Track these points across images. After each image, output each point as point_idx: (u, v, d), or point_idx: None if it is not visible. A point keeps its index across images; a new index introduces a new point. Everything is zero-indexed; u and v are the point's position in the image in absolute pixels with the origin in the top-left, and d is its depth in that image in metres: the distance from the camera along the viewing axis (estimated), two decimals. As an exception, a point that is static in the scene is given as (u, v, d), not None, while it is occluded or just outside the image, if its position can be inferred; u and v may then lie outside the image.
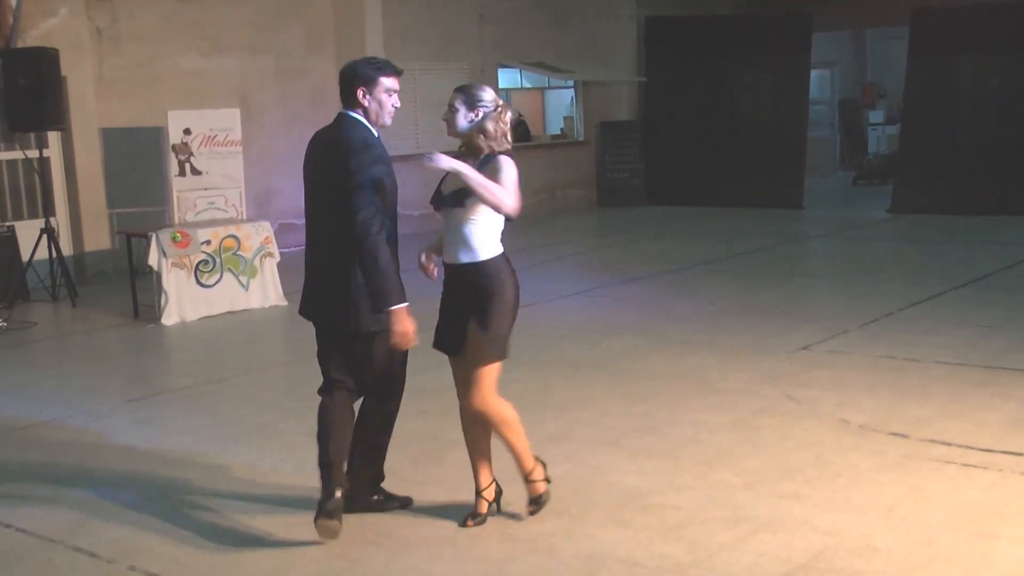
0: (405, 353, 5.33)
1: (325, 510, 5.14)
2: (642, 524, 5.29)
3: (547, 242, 16.01)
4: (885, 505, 5.41)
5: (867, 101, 27.42)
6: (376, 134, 5.27)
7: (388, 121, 5.33)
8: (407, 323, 5.02)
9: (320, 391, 5.45)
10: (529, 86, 21.49)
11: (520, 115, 21.02)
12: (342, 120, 5.30)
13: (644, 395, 7.61)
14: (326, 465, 5.25)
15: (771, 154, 19.70)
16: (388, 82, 5.27)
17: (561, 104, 22.01)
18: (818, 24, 20.20)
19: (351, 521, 5.43)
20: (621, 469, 6.11)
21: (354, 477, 5.46)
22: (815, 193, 20.37)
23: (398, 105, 5.36)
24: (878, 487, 5.67)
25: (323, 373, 5.47)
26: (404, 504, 5.65)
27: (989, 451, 6.17)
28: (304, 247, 5.53)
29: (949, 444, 6.31)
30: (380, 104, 5.26)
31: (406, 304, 5.04)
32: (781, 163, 19.62)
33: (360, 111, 5.27)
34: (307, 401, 7.69)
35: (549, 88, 21.81)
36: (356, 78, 5.27)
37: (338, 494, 5.19)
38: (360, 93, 5.25)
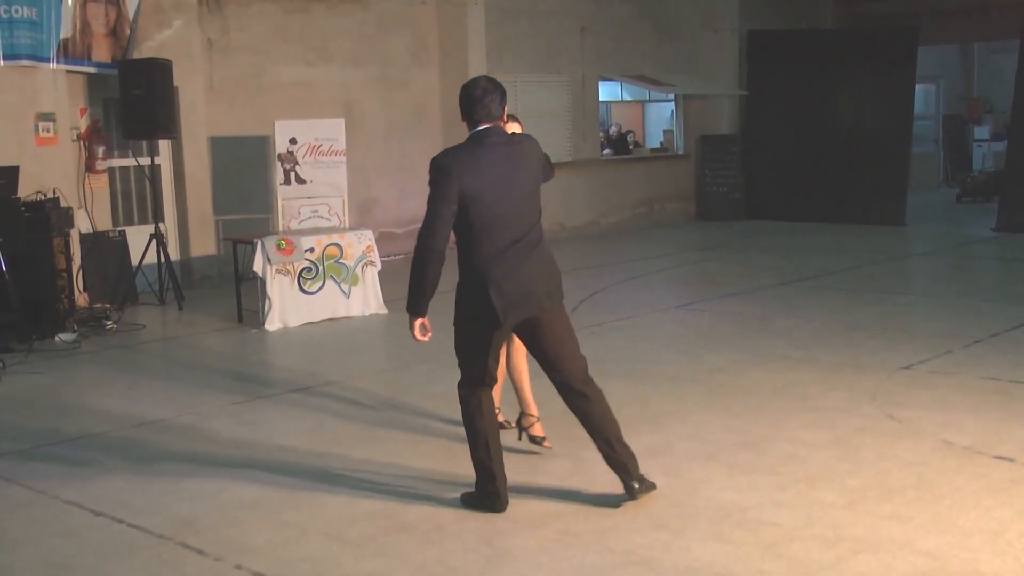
0: None
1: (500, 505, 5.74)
2: (740, 540, 5.27)
3: (645, 255, 15.98)
4: (991, 529, 5.32)
5: (973, 116, 26.92)
6: None
7: None
8: None
9: (473, 391, 5.77)
10: (630, 99, 21.48)
11: (620, 128, 21.04)
12: (505, 129, 5.80)
13: (742, 411, 7.56)
14: (490, 471, 5.75)
15: (873, 170, 19.42)
16: None
17: (661, 117, 21.96)
18: (924, 38, 19.88)
19: (451, 528, 5.49)
20: (719, 484, 6.09)
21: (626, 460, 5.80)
22: (918, 210, 20.04)
23: None
24: (983, 511, 5.58)
25: (485, 372, 5.75)
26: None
27: (1098, 477, 6.04)
28: (492, 250, 5.52)
29: (1056, 468, 6.20)
30: None
31: None
32: (884, 179, 19.33)
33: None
34: (409, 408, 7.83)
35: (649, 101, 21.79)
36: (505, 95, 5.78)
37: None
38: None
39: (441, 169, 5.51)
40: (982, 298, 11.86)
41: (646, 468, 5.83)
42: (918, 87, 21.05)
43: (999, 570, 4.85)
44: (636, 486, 5.73)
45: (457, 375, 5.85)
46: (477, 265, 5.54)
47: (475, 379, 5.76)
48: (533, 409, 6.74)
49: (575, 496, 5.92)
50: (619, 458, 5.75)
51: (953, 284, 13.44)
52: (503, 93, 5.70)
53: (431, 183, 5.53)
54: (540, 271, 5.64)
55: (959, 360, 8.93)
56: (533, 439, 6.71)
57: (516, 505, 5.78)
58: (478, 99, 5.61)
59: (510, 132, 5.92)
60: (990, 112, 26.77)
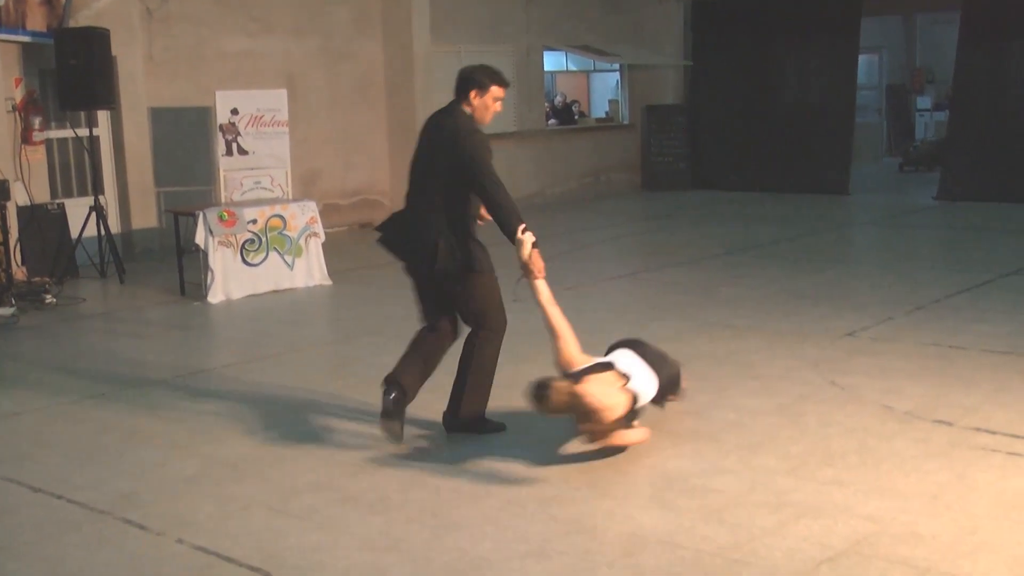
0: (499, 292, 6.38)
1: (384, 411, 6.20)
2: (684, 507, 5.30)
3: (592, 225, 16.02)
4: (929, 492, 5.39)
5: (915, 87, 27.15)
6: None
7: (487, 121, 6.35)
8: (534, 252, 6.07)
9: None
10: (575, 69, 21.47)
11: (566, 99, 21.03)
12: (454, 109, 6.30)
13: (687, 378, 7.58)
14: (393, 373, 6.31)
15: (818, 139, 19.56)
16: (496, 91, 6.28)
17: (607, 87, 21.98)
18: (867, 9, 20.00)
19: (395, 499, 5.49)
20: (663, 452, 6.12)
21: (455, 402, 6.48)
22: (861, 179, 20.21)
23: (499, 110, 6.40)
24: (922, 474, 5.65)
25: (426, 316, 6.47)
26: (499, 428, 6.54)
27: (1035, 440, 6.14)
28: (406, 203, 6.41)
29: (994, 433, 6.27)
30: (485, 106, 6.27)
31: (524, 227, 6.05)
32: (828, 148, 19.47)
33: (469, 108, 6.25)
34: (354, 379, 7.80)
35: (595, 71, 21.79)
36: (471, 82, 6.24)
37: (393, 396, 6.19)
38: (473, 94, 6.23)
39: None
40: (923, 266, 12.00)
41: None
42: (861, 57, 21.21)
43: (937, 532, 4.91)
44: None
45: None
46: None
47: (503, 326, 6.41)
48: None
49: (519, 466, 5.93)
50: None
51: (895, 252, 13.59)
52: (460, 78, 6.31)
53: None
54: (419, 237, 6.27)
55: (900, 327, 9.03)
56: None
57: (461, 475, 5.79)
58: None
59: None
60: (932, 82, 26.99)
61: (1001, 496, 5.33)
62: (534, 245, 6.01)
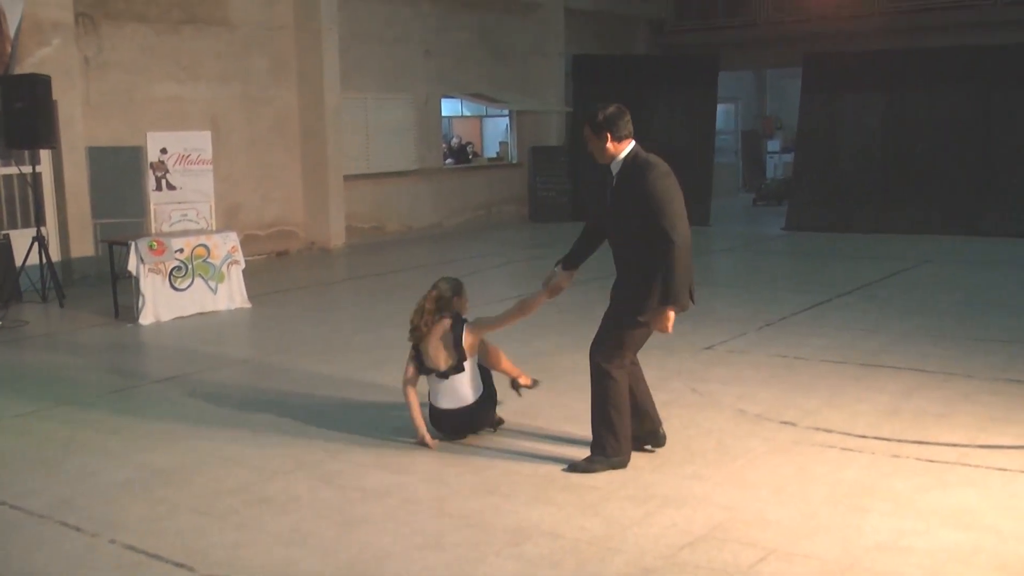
0: None
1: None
2: (563, 502, 5.34)
3: (484, 252, 16.04)
4: (776, 484, 5.51)
5: (766, 132, 27.74)
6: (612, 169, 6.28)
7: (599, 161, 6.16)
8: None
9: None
10: (469, 114, 21.55)
11: (461, 140, 21.06)
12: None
13: (566, 388, 7.64)
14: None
15: (682, 177, 19.17)
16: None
17: (497, 130, 22.07)
18: (724, 65, 20.44)
19: (306, 499, 5.44)
20: (546, 453, 6.15)
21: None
22: (720, 212, 20.57)
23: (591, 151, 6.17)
24: (770, 468, 5.77)
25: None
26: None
27: (863, 437, 6.29)
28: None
29: (831, 431, 6.43)
30: None
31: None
32: (691, 185, 19.24)
33: None
34: (270, 392, 7.69)
35: (487, 116, 21.88)
36: None
37: None
38: None
39: (672, 174, 5.97)
40: (772, 287, 12.25)
41: (483, 442, 5.85)
42: (720, 107, 21.59)
43: (782, 517, 5.03)
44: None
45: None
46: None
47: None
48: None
49: (415, 470, 5.92)
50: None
51: (748, 275, 13.84)
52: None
53: (674, 187, 6.04)
54: None
55: (753, 340, 9.21)
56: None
57: (363, 477, 5.76)
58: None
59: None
60: (780, 128, 27.61)
61: (836, 486, 5.47)
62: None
